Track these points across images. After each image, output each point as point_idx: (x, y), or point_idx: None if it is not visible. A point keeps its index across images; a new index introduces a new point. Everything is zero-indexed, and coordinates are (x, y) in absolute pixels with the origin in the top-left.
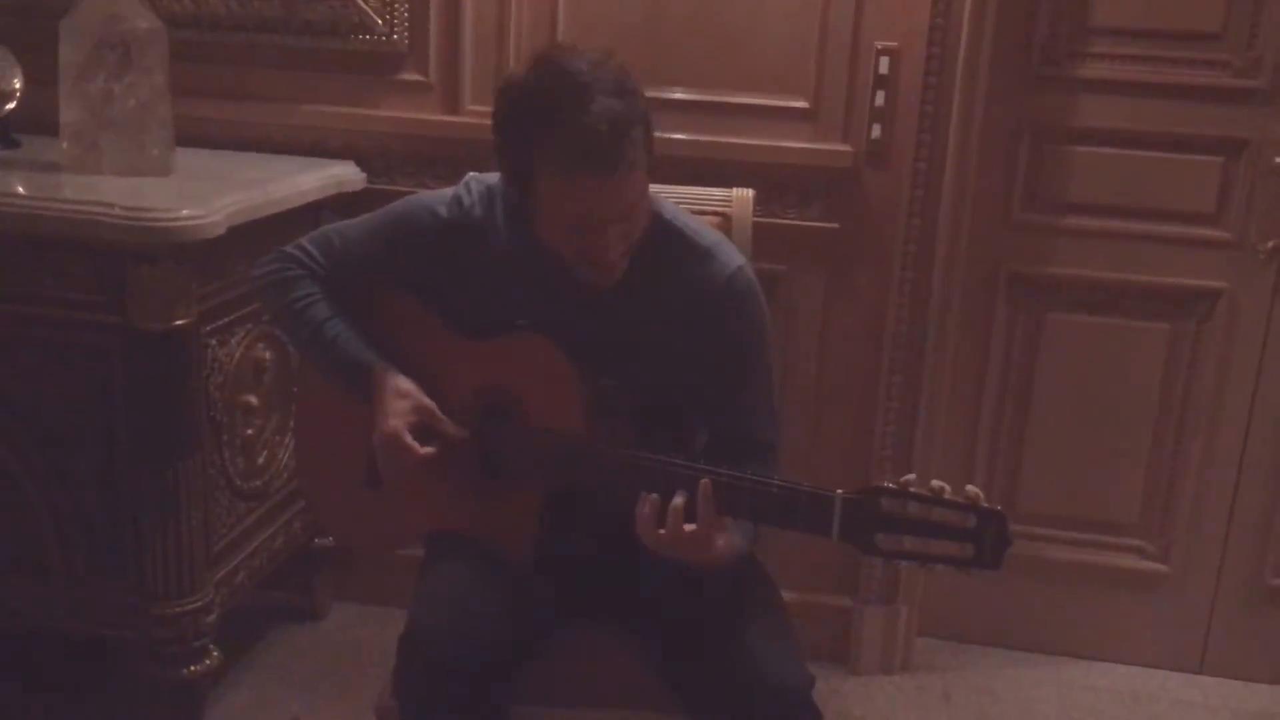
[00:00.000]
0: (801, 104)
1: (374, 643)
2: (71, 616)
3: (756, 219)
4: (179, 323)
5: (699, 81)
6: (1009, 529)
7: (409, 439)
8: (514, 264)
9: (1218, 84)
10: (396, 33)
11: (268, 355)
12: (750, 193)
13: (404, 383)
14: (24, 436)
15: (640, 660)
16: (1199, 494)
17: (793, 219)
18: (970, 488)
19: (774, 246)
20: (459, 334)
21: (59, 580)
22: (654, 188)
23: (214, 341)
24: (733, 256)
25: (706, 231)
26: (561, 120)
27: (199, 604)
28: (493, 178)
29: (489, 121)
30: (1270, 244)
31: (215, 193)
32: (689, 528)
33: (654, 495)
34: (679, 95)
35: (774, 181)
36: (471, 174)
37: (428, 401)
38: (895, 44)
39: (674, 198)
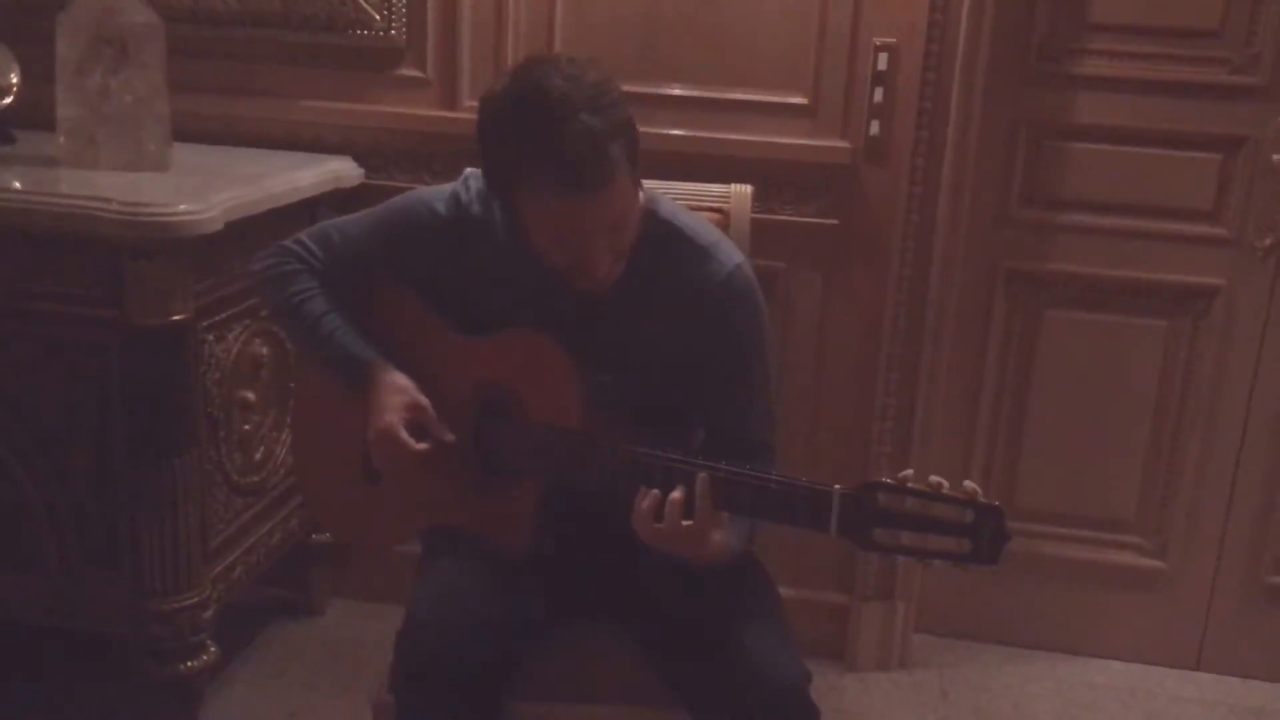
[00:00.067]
0: (800, 100)
1: (371, 639)
2: (68, 613)
3: (754, 215)
4: (176, 318)
5: (697, 77)
6: (1006, 524)
7: (404, 434)
8: (512, 261)
9: (1216, 81)
10: (394, 28)
11: (265, 351)
12: (748, 189)
13: (400, 379)
14: (20, 432)
15: (638, 657)
16: (1196, 491)
17: (791, 215)
18: (968, 483)
19: (772, 243)
20: (457, 330)
21: (55, 576)
22: (651, 184)
23: (211, 337)
24: (731, 255)
25: (705, 229)
26: (537, 143)
27: (196, 600)
28: None
29: None
30: (1268, 241)
31: (212, 188)
32: (686, 523)
33: (654, 490)
34: (677, 91)
35: (772, 178)
36: (470, 170)
37: (422, 399)
38: (894, 40)
39: (672, 194)
